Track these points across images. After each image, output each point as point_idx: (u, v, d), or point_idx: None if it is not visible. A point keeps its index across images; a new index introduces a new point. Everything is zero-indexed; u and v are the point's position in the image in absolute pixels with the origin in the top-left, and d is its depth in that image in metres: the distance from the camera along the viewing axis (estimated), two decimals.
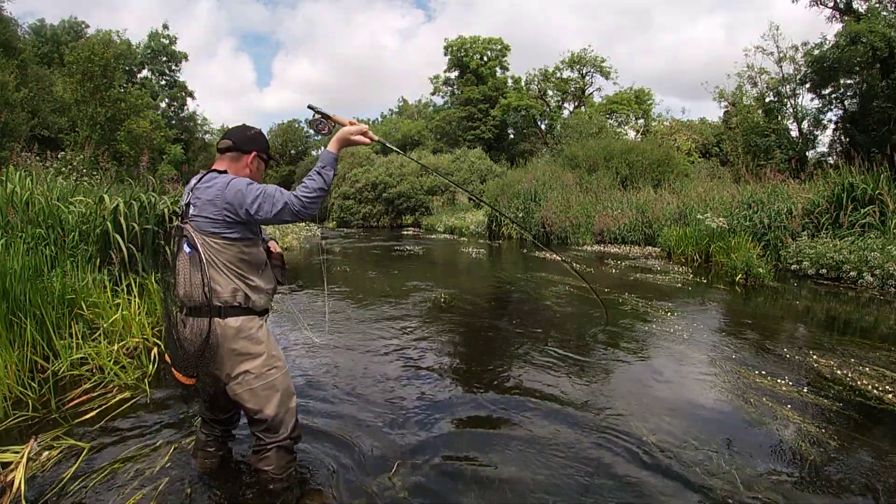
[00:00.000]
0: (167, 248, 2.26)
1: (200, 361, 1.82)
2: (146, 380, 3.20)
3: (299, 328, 4.72)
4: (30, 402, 2.81)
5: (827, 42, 18.88)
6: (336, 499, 2.06)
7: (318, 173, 1.84)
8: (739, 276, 7.39)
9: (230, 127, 2.05)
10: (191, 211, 1.84)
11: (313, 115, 2.06)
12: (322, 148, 2.02)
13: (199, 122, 37.83)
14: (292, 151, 52.64)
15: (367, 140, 1.95)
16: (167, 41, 35.98)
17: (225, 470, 2.21)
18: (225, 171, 1.90)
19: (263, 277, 1.95)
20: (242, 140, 1.95)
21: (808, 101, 21.39)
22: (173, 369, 1.88)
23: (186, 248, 1.82)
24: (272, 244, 2.12)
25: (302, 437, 2.10)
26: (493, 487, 2.13)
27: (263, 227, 2.02)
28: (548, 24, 68.45)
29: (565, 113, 35.22)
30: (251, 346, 1.89)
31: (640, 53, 69.02)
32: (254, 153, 1.96)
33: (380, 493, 2.08)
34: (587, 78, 35.00)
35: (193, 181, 1.91)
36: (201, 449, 2.18)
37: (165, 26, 36.40)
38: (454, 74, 37.37)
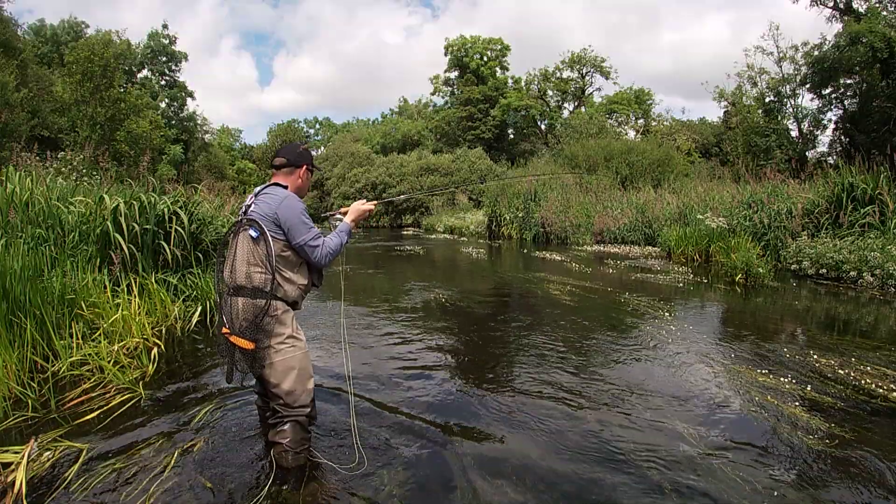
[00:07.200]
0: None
1: (255, 328, 2.05)
2: (146, 380, 3.20)
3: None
4: (30, 402, 2.81)
5: (827, 42, 18.90)
6: (335, 491, 2.06)
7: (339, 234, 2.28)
8: (739, 275, 7.39)
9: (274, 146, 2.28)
10: (252, 208, 2.16)
11: None
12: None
13: (198, 122, 37.75)
14: None
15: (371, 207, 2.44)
16: (167, 41, 35.92)
17: (231, 462, 2.21)
18: (285, 186, 2.24)
19: (298, 273, 2.20)
20: (294, 157, 2.29)
21: (808, 101, 21.43)
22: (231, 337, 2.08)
23: (253, 232, 2.08)
24: None
25: (316, 419, 2.27)
26: (494, 487, 2.13)
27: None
28: (553, 22, 68.31)
29: (565, 113, 35.23)
30: (275, 325, 2.10)
31: (646, 52, 68.82)
32: (305, 166, 2.31)
33: (379, 490, 2.08)
34: (587, 78, 35.02)
35: (258, 189, 2.26)
36: (264, 418, 2.37)
37: (165, 26, 36.40)
38: (454, 74, 37.38)
